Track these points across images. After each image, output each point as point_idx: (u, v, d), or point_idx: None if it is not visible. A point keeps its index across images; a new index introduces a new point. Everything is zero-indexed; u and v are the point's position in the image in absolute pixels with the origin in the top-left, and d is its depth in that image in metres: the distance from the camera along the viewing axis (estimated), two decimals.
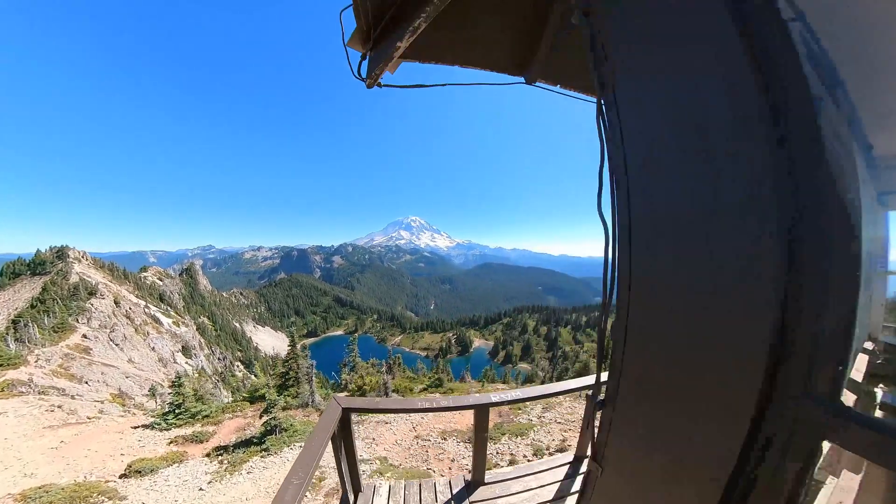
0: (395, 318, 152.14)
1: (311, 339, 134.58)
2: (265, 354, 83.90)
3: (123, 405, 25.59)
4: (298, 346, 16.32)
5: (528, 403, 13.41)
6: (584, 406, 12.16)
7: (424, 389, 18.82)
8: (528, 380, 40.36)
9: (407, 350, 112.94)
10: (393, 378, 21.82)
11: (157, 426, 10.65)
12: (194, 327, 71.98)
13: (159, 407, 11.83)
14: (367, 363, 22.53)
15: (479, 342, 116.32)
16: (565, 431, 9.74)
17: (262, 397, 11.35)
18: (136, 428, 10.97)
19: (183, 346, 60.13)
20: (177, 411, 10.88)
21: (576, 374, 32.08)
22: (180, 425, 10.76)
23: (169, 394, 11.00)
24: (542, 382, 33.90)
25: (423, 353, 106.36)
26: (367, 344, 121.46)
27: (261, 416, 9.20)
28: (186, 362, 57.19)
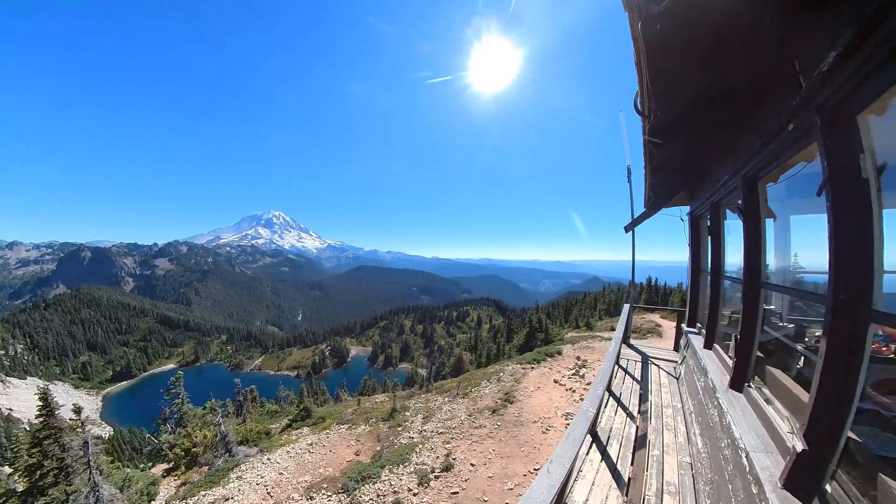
0: (252, 336, 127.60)
1: (122, 385, 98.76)
2: (27, 424, 56.57)
3: None
4: (84, 412, 10.76)
5: (408, 417, 12.69)
6: (462, 408, 12.26)
7: (288, 427, 15.77)
8: (409, 380, 40.31)
9: (272, 373, 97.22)
10: (244, 421, 17.61)
11: None
12: None
13: None
14: (204, 408, 17.43)
15: (356, 350, 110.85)
16: (447, 443, 9.38)
17: None
18: None
19: None
20: None
21: (451, 370, 33.75)
22: None
23: None
24: (423, 381, 34.21)
25: (294, 373, 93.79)
26: (215, 374, 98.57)
27: None
28: None
